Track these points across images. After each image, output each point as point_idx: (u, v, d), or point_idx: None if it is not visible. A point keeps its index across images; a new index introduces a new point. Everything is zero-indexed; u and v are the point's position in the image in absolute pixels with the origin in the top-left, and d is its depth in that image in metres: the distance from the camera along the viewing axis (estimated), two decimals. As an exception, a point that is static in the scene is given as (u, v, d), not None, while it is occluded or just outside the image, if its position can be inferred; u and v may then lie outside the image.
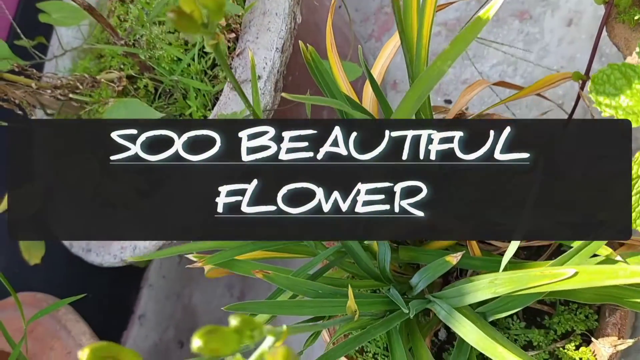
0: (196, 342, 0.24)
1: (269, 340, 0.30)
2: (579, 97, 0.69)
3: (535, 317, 0.59)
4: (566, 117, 0.53)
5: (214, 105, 0.76)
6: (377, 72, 0.57)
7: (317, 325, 0.47)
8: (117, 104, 0.75)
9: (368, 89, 0.58)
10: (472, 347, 0.54)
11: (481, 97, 0.93)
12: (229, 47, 0.73)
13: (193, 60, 0.77)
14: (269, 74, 0.68)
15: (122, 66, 0.86)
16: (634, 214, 0.36)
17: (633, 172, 0.35)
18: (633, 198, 0.36)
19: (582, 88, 0.62)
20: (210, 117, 0.72)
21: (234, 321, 0.26)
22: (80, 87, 0.79)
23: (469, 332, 0.44)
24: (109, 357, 0.27)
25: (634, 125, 0.34)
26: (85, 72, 0.90)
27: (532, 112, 0.88)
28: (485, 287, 0.45)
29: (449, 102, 0.98)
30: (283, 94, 0.41)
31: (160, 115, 0.73)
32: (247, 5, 0.72)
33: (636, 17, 0.55)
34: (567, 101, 0.86)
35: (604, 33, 0.61)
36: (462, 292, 0.48)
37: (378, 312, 0.56)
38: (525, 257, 0.64)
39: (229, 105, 0.70)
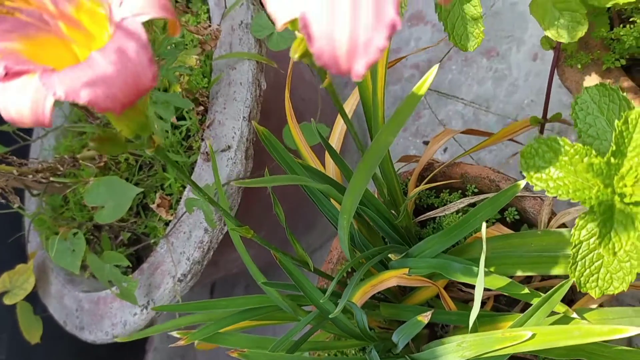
0: None
1: None
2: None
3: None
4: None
5: (191, 174, 0.78)
6: (335, 138, 0.58)
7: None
8: (97, 184, 0.76)
9: (329, 157, 0.59)
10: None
11: (458, 137, 0.94)
12: (199, 120, 0.75)
13: (167, 132, 0.79)
14: (238, 143, 0.69)
15: (102, 142, 0.88)
16: (582, 278, 0.37)
17: (574, 237, 0.36)
18: (578, 263, 0.36)
19: (541, 131, 0.63)
20: (185, 192, 0.74)
21: None
22: (61, 168, 0.81)
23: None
24: None
25: (564, 198, 0.35)
26: (68, 149, 0.92)
27: (497, 158, 0.89)
28: (453, 350, 0.45)
29: (427, 143, 0.99)
30: (232, 182, 0.42)
31: (139, 190, 0.74)
32: (214, 77, 0.74)
33: (583, 61, 0.56)
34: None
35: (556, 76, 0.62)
36: (435, 354, 0.48)
37: (360, 375, 0.56)
38: (506, 303, 0.64)
39: (203, 177, 0.72)
